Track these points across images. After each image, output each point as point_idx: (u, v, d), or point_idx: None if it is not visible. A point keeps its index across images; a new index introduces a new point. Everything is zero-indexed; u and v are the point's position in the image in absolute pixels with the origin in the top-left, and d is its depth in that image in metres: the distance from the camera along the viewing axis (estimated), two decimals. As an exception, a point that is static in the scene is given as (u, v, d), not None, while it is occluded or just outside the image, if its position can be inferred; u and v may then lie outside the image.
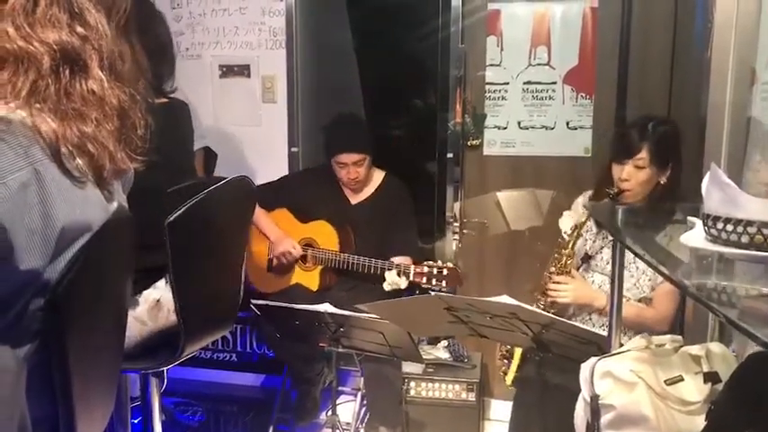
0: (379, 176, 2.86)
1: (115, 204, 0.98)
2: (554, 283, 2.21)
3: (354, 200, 2.85)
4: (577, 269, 2.29)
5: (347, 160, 2.70)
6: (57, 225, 0.84)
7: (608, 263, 2.24)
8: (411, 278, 2.50)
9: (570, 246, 2.23)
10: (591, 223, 2.31)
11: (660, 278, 2.13)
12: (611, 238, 2.24)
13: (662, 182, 2.16)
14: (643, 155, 2.12)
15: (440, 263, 2.51)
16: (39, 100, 0.84)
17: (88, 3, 0.92)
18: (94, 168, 0.90)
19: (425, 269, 2.49)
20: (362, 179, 2.76)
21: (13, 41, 0.83)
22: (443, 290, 2.47)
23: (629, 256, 1.70)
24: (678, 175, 2.17)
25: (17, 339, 0.84)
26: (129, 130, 0.97)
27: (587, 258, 2.30)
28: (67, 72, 0.87)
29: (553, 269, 2.26)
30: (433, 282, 2.48)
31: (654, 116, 2.28)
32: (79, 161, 0.88)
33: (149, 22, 1.92)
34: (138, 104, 0.98)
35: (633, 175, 2.14)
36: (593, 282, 2.28)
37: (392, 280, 2.52)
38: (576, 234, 2.23)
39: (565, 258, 2.24)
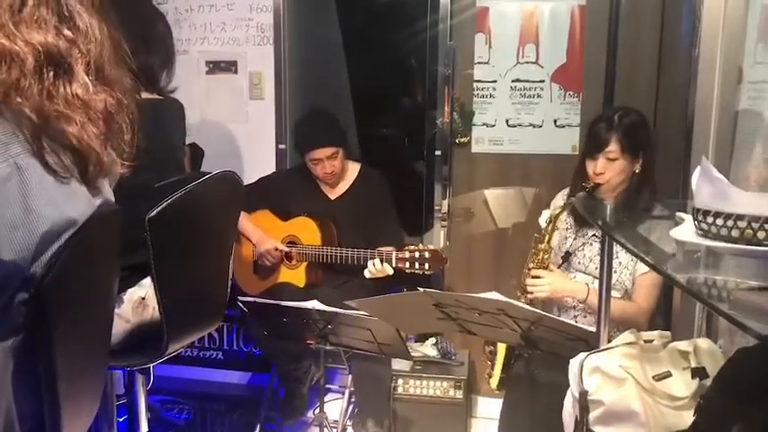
0: (354, 169, 2.86)
1: (101, 198, 0.97)
2: (532, 278, 2.21)
3: (333, 195, 2.84)
4: (558, 267, 2.28)
5: (320, 155, 2.69)
6: (40, 219, 0.83)
7: (590, 260, 2.24)
8: (394, 264, 2.49)
9: (546, 240, 2.23)
10: (570, 220, 2.32)
11: (639, 270, 2.15)
12: (591, 234, 2.26)
13: (636, 171, 2.17)
14: (613, 147, 2.13)
15: (421, 246, 2.50)
16: (20, 96, 0.83)
17: (80, 7, 0.91)
18: (79, 167, 0.90)
19: (407, 254, 2.48)
20: (338, 172, 2.76)
21: None
22: (427, 272, 2.47)
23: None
24: (652, 163, 2.17)
25: (2, 332, 0.83)
26: (117, 135, 0.96)
27: (568, 256, 2.29)
28: (51, 74, 0.86)
29: (532, 265, 2.25)
30: (417, 266, 2.47)
31: (620, 107, 2.29)
32: (63, 158, 0.87)
33: (144, 11, 1.89)
34: (125, 109, 0.97)
35: (607, 168, 2.15)
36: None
37: (376, 268, 2.51)
38: (551, 227, 2.22)
39: (542, 253, 2.23)
